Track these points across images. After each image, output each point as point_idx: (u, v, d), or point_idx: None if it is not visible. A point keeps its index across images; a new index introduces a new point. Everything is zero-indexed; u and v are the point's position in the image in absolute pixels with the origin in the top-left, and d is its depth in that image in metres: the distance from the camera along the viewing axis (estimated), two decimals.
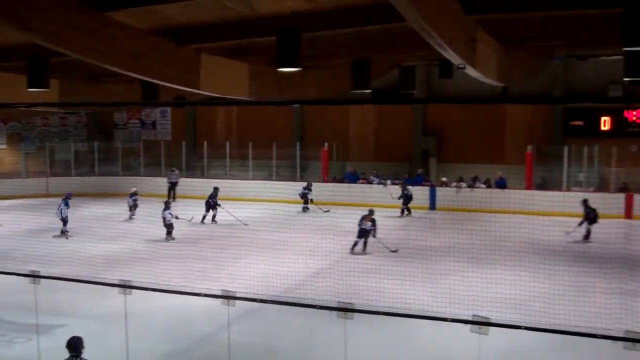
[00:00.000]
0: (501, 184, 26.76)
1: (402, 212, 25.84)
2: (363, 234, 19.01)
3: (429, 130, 32.14)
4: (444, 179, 28.44)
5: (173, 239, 20.81)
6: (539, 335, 10.21)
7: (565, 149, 26.12)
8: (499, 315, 9.52)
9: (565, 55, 28.46)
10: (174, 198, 29.19)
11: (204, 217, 23.95)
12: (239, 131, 35.90)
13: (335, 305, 7.37)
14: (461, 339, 7.89)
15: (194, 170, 33.81)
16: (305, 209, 26.86)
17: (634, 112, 28.06)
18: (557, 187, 26.35)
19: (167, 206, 21.27)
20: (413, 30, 12.62)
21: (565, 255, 17.85)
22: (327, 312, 7.49)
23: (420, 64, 26.28)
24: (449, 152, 31.58)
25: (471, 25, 15.66)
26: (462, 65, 15.88)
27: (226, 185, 26.63)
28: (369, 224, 19.08)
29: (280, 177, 30.86)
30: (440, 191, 27.27)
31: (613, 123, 28.30)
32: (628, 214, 23.92)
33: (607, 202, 22.25)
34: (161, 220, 20.89)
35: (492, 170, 28.01)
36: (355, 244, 18.98)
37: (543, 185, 26.90)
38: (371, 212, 19.32)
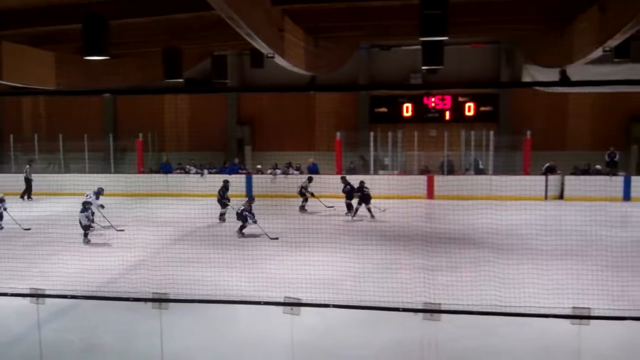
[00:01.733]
0: (313, 170, 27.58)
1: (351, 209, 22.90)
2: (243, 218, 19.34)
3: (243, 119, 32.48)
4: (258, 166, 28.86)
5: None
6: (350, 312, 10.86)
7: (372, 135, 27.47)
8: (311, 296, 9.99)
9: (369, 45, 29.90)
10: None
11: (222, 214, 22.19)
12: (48, 123, 34.11)
13: (150, 296, 7.40)
14: (276, 321, 8.17)
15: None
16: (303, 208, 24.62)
17: (433, 99, 30.13)
18: (365, 171, 27.63)
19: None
20: (223, 19, 12.74)
21: (373, 234, 18.86)
22: (143, 304, 7.49)
23: (232, 53, 26.48)
24: (263, 140, 32.09)
25: (278, 15, 16.03)
26: (272, 55, 16.21)
27: (40, 180, 25.36)
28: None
29: (93, 170, 29.72)
30: (256, 179, 27.63)
31: (414, 109, 30.28)
32: (429, 194, 25.59)
33: (411, 184, 23.73)
34: None
35: (305, 156, 28.81)
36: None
37: (352, 170, 28.07)
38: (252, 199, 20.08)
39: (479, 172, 26.81)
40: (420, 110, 30.36)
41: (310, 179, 24.21)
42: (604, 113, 29.40)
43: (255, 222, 19.27)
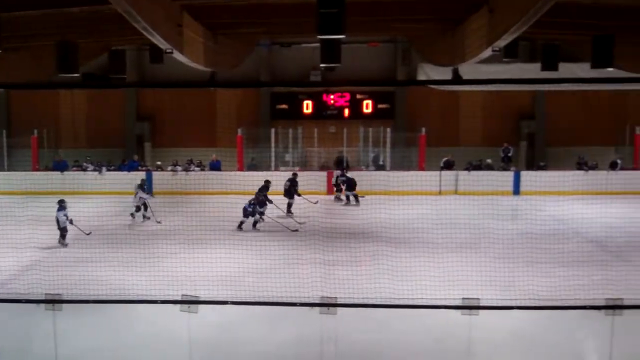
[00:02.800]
0: (215, 166, 27.48)
1: (348, 198, 24.71)
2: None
3: (143, 115, 31.96)
4: (158, 163, 28.49)
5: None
6: (249, 308, 10.95)
7: (273, 131, 27.61)
8: (210, 293, 10.04)
9: (270, 42, 30.02)
10: None
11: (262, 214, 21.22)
12: None
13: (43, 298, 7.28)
14: (174, 319, 8.18)
15: None
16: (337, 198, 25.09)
17: (332, 96, 30.60)
18: (266, 167, 27.74)
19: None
20: (119, 13, 12.56)
21: (276, 230, 19.01)
22: (35, 306, 7.36)
23: (131, 48, 25.98)
24: (164, 137, 31.71)
25: (177, 10, 15.93)
26: (170, 50, 16.09)
27: None
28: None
29: None
30: (156, 175, 27.25)
31: (314, 106, 30.65)
32: (329, 189, 25.96)
33: (311, 179, 24.01)
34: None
35: (207, 153, 28.64)
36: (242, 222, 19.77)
37: (254, 166, 28.13)
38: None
39: (379, 167, 27.43)
40: (320, 107, 30.82)
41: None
42: (495, 110, 30.66)
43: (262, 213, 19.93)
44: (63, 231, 18.16)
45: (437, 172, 26.13)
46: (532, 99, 31.05)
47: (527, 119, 31.00)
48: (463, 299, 8.14)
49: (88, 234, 18.34)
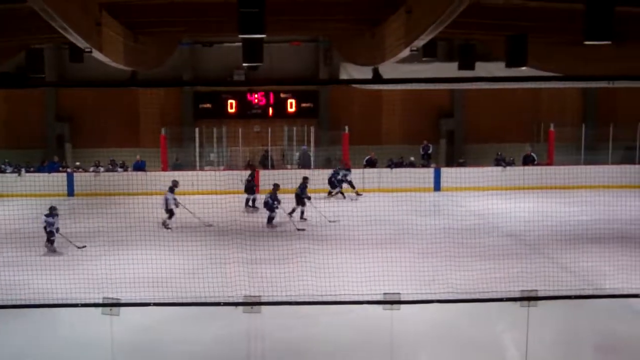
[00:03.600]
0: (140, 167, 27.13)
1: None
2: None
3: (63, 116, 31.21)
4: (77, 163, 27.95)
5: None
6: (174, 309, 10.96)
7: (197, 131, 27.45)
8: (134, 295, 10.00)
9: (192, 41, 29.79)
10: None
11: (294, 210, 21.06)
12: None
13: None
14: (96, 322, 8.12)
15: None
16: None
17: (256, 95, 30.62)
18: (191, 167, 27.57)
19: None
20: (35, 11, 12.29)
21: (200, 230, 18.95)
22: None
23: (50, 46, 25.35)
24: (85, 137, 30.99)
25: (96, 8, 15.64)
26: (89, 49, 15.80)
27: None
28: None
29: None
30: (77, 177, 26.71)
31: (238, 106, 30.60)
32: (256, 188, 25.91)
33: (237, 179, 23.99)
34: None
35: (130, 153, 28.23)
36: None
37: (178, 166, 27.89)
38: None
39: (307, 166, 27.58)
40: (244, 106, 30.78)
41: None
42: (415, 109, 31.25)
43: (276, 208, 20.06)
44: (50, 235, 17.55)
45: (361, 170, 26.49)
46: (450, 97, 31.81)
47: (446, 117, 31.73)
48: (384, 294, 8.35)
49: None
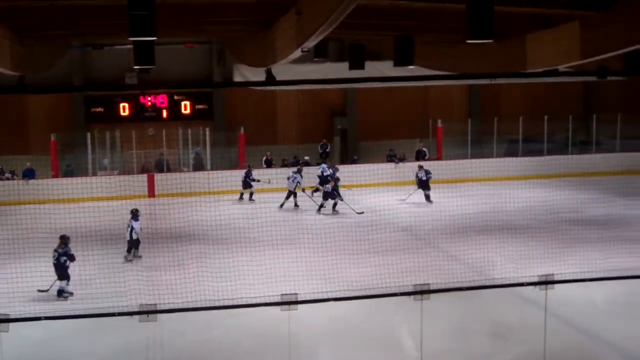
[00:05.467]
0: (29, 175, 26.16)
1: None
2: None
3: None
4: None
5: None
6: (69, 321, 10.70)
7: (88, 136, 26.79)
8: (24, 309, 9.72)
9: (82, 44, 29.03)
10: None
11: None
12: None
13: None
14: None
15: None
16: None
17: (149, 98, 30.17)
18: (83, 173, 26.87)
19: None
20: None
21: (95, 238, 18.45)
22: None
23: None
24: None
25: None
26: None
27: None
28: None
29: None
30: None
31: (131, 109, 30.05)
32: (151, 192, 25.64)
33: (132, 184, 23.59)
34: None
35: (19, 161, 27.19)
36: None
37: (70, 173, 27.10)
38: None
39: (201, 168, 27.42)
40: (138, 109, 30.27)
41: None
42: (310, 109, 31.67)
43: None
44: (136, 243, 17.14)
45: (257, 170, 26.46)
46: (343, 96, 32.39)
47: (339, 115, 32.29)
48: (281, 295, 8.49)
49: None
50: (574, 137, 30.76)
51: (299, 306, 8.47)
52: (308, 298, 8.97)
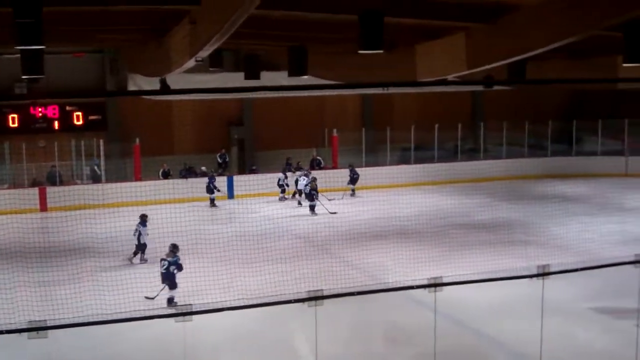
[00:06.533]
0: None
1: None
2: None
3: None
4: None
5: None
6: None
7: None
8: None
9: None
10: None
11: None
12: None
13: None
14: None
15: None
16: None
17: (40, 109, 29.17)
18: None
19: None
20: None
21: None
22: None
23: None
24: None
25: None
26: None
27: None
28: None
29: None
30: None
31: (20, 120, 28.94)
32: (43, 206, 24.89)
33: (23, 198, 22.86)
34: None
35: None
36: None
37: None
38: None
39: (97, 180, 26.80)
40: (27, 120, 29.16)
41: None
42: (206, 118, 31.53)
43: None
44: (143, 247, 17.50)
45: (154, 182, 26.17)
46: (240, 106, 32.35)
47: (236, 125, 32.29)
48: (176, 306, 8.50)
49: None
50: (463, 145, 32.10)
51: (195, 317, 8.47)
52: (203, 308, 9.00)
